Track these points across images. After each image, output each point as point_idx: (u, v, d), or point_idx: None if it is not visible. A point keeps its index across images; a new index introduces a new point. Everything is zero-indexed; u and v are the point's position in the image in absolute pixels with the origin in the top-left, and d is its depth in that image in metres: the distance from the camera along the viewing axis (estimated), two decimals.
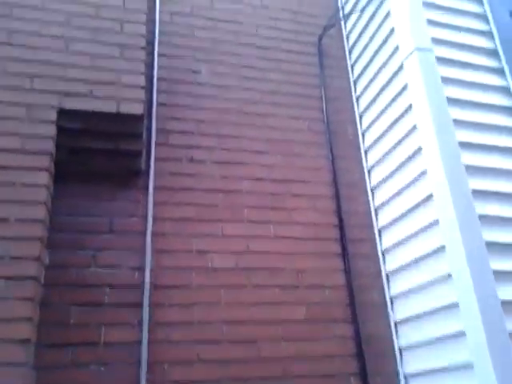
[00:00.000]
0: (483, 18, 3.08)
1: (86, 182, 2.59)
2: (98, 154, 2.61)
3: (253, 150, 2.96)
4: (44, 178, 2.21)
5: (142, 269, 2.48)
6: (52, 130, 2.33)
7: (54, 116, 2.37)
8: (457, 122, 2.61)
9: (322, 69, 3.38)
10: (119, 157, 2.64)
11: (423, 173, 2.58)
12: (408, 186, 2.72)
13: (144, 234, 2.56)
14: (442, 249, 2.40)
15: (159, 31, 3.05)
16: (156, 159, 2.75)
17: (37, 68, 2.46)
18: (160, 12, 3.11)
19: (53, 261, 2.33)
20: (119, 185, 2.65)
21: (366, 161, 3.17)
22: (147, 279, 2.47)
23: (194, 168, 2.81)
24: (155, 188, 2.68)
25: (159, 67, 2.96)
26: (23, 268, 2.01)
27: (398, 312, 2.73)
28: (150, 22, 3.00)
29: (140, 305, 2.40)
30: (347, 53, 3.50)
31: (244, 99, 3.08)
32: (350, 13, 3.44)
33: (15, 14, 2.55)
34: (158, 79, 2.92)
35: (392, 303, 2.79)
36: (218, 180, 2.82)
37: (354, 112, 3.33)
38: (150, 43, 2.97)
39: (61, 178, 2.42)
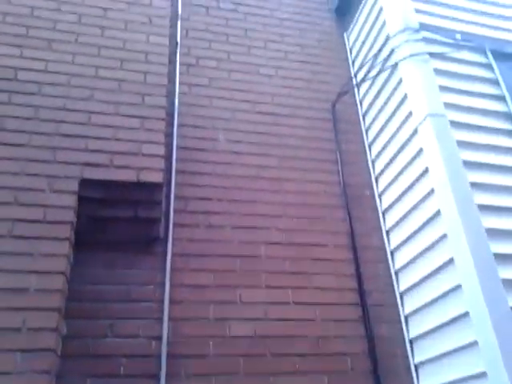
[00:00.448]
0: (494, 82, 3.14)
1: (104, 249, 2.61)
2: (118, 221, 2.66)
3: (270, 214, 2.98)
4: (64, 248, 2.25)
5: (159, 338, 2.45)
6: (73, 200, 2.39)
7: (75, 186, 2.44)
8: (474, 185, 2.61)
9: (337, 133, 3.44)
10: (138, 224, 2.68)
11: (443, 236, 2.55)
12: (428, 249, 2.68)
13: (162, 301, 2.54)
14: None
15: (179, 102, 3.18)
16: (174, 225, 2.78)
17: (60, 141, 2.56)
18: (180, 84, 3.25)
19: (69, 330, 2.32)
20: (137, 252, 2.67)
21: (384, 223, 3.15)
22: (164, 349, 2.43)
23: (211, 234, 2.82)
24: (173, 254, 2.70)
25: (178, 136, 3.05)
26: (40, 340, 2.00)
27: (424, 382, 2.61)
28: (170, 93, 3.13)
29: (156, 376, 2.35)
30: (361, 118, 3.58)
31: (261, 165, 3.13)
32: (363, 80, 3.54)
33: (43, 91, 2.70)
34: (178, 148, 3.01)
35: (417, 371, 2.67)
36: (236, 245, 2.82)
37: (370, 175, 3.35)
38: (170, 114, 3.08)
39: (79, 246, 2.45)
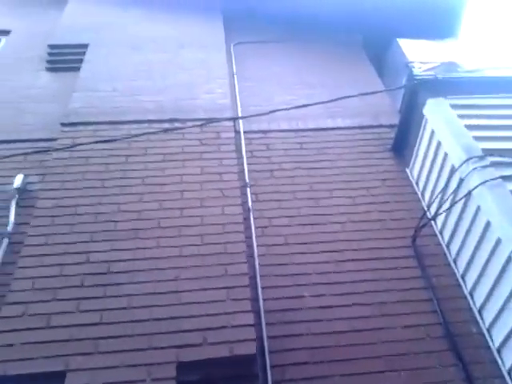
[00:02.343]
0: None
1: None
2: None
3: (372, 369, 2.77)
4: None
5: None
6: None
7: (173, 372, 2.43)
8: None
9: (423, 269, 3.30)
10: None
11: None
12: None
13: None
14: None
15: (259, 264, 3.23)
16: None
17: (153, 326, 2.62)
18: (257, 246, 3.33)
19: None
20: None
21: (502, 362, 2.82)
22: None
23: None
24: None
25: (263, 299, 3.03)
26: None
27: None
28: (249, 257, 3.20)
29: None
30: (445, 248, 3.44)
31: (353, 316, 3.01)
32: (437, 214, 3.48)
33: (134, 279, 2.85)
34: (265, 312, 2.97)
35: None
36: None
37: (471, 308, 3.11)
38: (252, 277, 3.11)
39: None
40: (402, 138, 4.09)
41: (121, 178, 3.54)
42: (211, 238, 3.14)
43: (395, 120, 4.35)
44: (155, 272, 2.92)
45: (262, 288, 3.10)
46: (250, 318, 2.71)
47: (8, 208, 3.46)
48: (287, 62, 5.34)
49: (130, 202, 3.36)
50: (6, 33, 5.35)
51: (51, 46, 4.96)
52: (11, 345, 2.57)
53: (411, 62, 4.80)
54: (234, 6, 5.89)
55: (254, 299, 2.98)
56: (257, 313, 2.92)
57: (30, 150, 3.84)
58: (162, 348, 2.54)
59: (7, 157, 3.71)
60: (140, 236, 3.12)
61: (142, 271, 2.90)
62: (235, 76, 4.96)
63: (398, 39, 5.51)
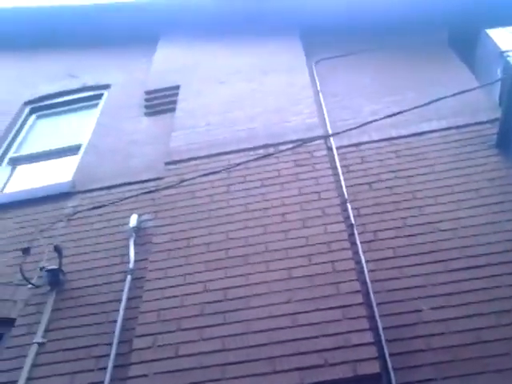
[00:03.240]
0: None
1: None
2: None
3: None
4: None
5: None
6: None
7: None
8: None
9: None
10: None
11: None
12: None
13: None
14: None
15: (370, 280, 3.18)
16: None
17: (274, 349, 2.69)
18: (366, 262, 3.29)
19: None
20: None
21: None
22: None
23: None
24: None
25: (380, 317, 2.98)
26: None
27: None
28: (359, 274, 3.17)
29: None
30: None
31: (477, 328, 2.85)
32: None
33: (250, 303, 2.95)
34: (383, 329, 2.92)
35: None
36: None
37: None
38: (365, 294, 3.08)
39: None
40: (508, 132, 3.85)
41: (225, 207, 3.71)
42: (318, 257, 3.17)
43: (495, 114, 4.11)
44: (268, 296, 3.00)
45: (377, 304, 3.06)
46: (369, 336, 2.69)
47: (127, 246, 3.77)
48: (371, 72, 5.28)
49: (237, 230, 3.50)
50: (107, 87, 5.88)
51: (147, 92, 5.36)
52: (145, 375, 2.77)
53: (506, 51, 4.52)
54: (310, 24, 5.96)
55: (369, 317, 2.95)
56: (374, 330, 2.88)
57: (140, 191, 4.16)
58: (285, 371, 2.60)
59: (122, 200, 4.05)
60: (250, 261, 3.23)
61: (257, 296, 3.00)
62: (320, 93, 5.00)
63: (486, 30, 5.22)
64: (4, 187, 5.02)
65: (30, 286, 3.57)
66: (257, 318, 2.88)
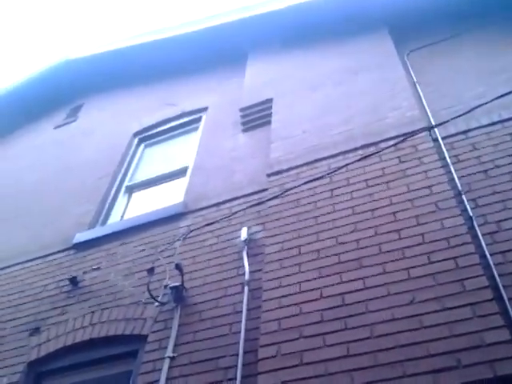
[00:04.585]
0: None
1: None
2: None
3: None
4: None
5: None
6: None
7: None
8: None
9: None
10: None
11: None
12: None
13: None
14: None
15: (498, 274, 2.95)
16: None
17: (401, 353, 2.59)
18: (490, 255, 3.06)
19: None
20: None
21: None
22: None
23: None
24: None
25: None
26: None
27: None
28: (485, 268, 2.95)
29: None
30: None
31: None
32: None
33: (368, 307, 2.89)
34: None
35: None
36: None
37: None
38: (494, 289, 2.86)
39: None
40: None
41: (331, 212, 3.68)
42: (438, 255, 3.01)
43: None
44: (389, 298, 2.91)
45: (509, 299, 2.83)
46: (506, 334, 2.49)
47: (241, 259, 3.88)
48: (467, 55, 4.96)
49: (346, 234, 3.45)
50: (204, 110, 6.16)
51: (242, 109, 5.52)
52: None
53: None
54: (397, 16, 5.78)
55: (503, 313, 2.73)
56: (510, 327, 2.66)
57: (246, 205, 4.28)
58: (416, 374, 2.49)
59: (231, 215, 4.20)
60: (365, 264, 3.16)
61: (376, 299, 2.92)
62: (417, 84, 4.80)
63: None
64: (124, 214, 5.45)
65: (156, 303, 3.81)
66: (379, 321, 2.80)
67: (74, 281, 4.44)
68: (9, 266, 5.12)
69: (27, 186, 6.43)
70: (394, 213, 3.44)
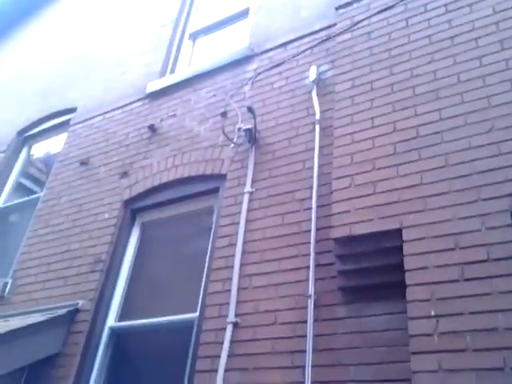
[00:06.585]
0: None
1: None
2: None
3: None
4: None
5: None
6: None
7: (508, 219, 2.43)
8: None
9: None
10: None
11: None
12: None
13: None
14: None
15: None
16: None
17: (478, 179, 2.63)
18: None
19: None
20: None
21: None
22: None
23: None
24: None
25: None
26: None
27: None
28: None
29: None
30: None
31: None
32: None
33: (444, 138, 2.88)
34: None
35: None
36: None
37: None
38: None
39: None
40: None
41: (406, 43, 3.45)
42: None
43: None
44: (466, 128, 2.86)
45: None
46: None
47: (310, 99, 3.89)
48: None
49: (422, 65, 3.27)
50: None
51: None
52: (348, 211, 3.00)
53: None
54: None
55: None
56: None
57: (315, 42, 4.13)
58: (492, 198, 2.55)
59: (298, 54, 4.09)
60: (441, 96, 3.05)
61: (452, 129, 2.89)
62: None
63: None
64: (190, 61, 5.45)
65: (232, 145, 4.00)
66: (455, 150, 2.80)
67: (152, 128, 4.70)
68: (90, 118, 5.46)
69: (93, 39, 6.51)
70: (476, 38, 3.19)
